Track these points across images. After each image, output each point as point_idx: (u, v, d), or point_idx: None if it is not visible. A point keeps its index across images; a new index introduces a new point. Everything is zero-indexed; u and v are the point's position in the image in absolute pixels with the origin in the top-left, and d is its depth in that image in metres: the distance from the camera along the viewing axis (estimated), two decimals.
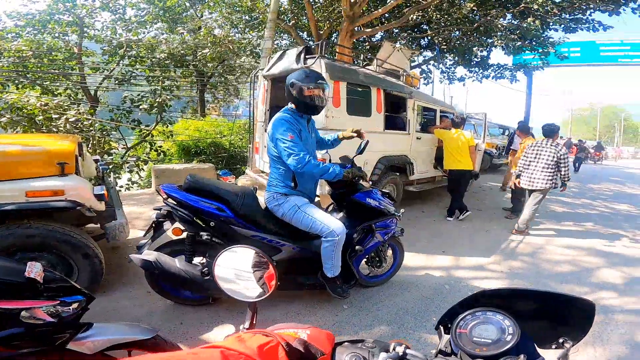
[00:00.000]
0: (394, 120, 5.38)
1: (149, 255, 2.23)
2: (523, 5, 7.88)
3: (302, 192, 2.43)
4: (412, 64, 10.95)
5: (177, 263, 2.25)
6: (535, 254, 4.08)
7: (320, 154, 2.70)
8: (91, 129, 6.63)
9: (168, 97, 9.44)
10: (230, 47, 10.90)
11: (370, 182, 4.40)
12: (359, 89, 4.44)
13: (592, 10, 8.20)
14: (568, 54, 13.25)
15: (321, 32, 9.34)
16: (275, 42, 11.87)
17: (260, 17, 9.95)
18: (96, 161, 3.36)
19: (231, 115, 18.82)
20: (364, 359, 0.63)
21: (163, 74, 10.96)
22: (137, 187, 7.77)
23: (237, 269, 1.00)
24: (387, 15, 9.37)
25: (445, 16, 8.99)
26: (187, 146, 8.17)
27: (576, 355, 2.21)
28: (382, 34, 10.57)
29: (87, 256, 2.36)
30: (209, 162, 7.17)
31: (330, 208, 2.82)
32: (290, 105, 2.39)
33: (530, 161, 4.60)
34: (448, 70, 11.99)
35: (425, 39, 10.71)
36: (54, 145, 2.41)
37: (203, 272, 2.25)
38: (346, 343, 0.68)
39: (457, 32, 9.50)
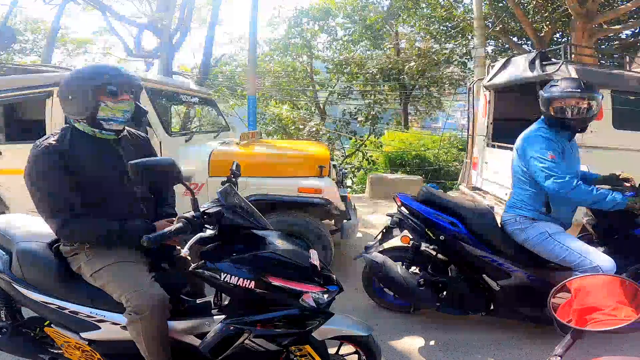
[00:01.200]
0: None
1: (377, 257, 2.41)
2: None
3: (555, 219, 2.06)
4: None
5: (398, 269, 2.34)
6: None
7: None
8: (322, 138, 8.00)
9: (379, 110, 10.23)
10: (435, 58, 10.75)
11: None
12: (631, 98, 3.49)
13: None
14: None
15: (541, 34, 7.94)
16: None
17: (461, 24, 9.37)
18: (334, 166, 3.95)
19: (431, 128, 18.55)
20: None
21: (374, 88, 11.95)
22: (351, 192, 8.74)
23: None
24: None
25: None
26: (393, 157, 8.57)
27: None
28: (633, 30, 8.34)
29: (325, 248, 2.76)
30: (414, 174, 7.25)
31: (581, 238, 2.27)
32: (544, 117, 2.10)
33: None
34: None
35: None
36: (315, 151, 2.98)
37: (419, 282, 2.29)
38: None
39: None
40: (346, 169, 8.67)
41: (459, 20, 9.58)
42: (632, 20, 7.67)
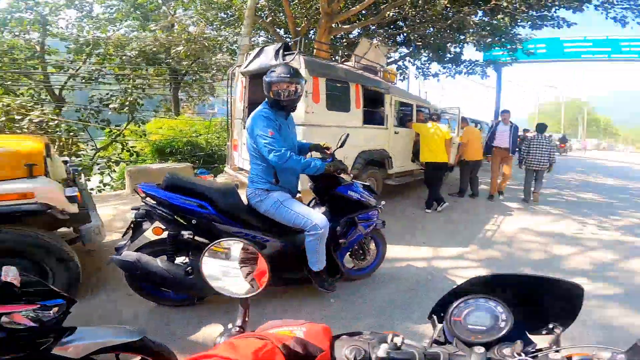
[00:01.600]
0: (372, 116, 5.44)
1: (129, 255, 2.17)
2: (494, 2, 8.15)
3: (283, 188, 2.42)
4: (389, 60, 11.13)
5: (159, 263, 2.21)
6: (510, 243, 4.25)
7: None
8: (57, 130, 6.30)
9: (140, 96, 9.12)
10: (206, 44, 10.66)
11: (352, 176, 4.47)
12: (338, 85, 4.48)
13: (557, 7, 8.58)
14: (534, 50, 13.86)
15: (299, 28, 9.30)
16: (252, 39, 11.72)
17: (237, 13, 9.78)
18: (65, 162, 3.20)
19: (206, 114, 18.42)
20: (364, 352, 0.62)
21: (134, 72, 10.55)
22: (109, 189, 7.46)
23: (226, 265, 0.94)
24: (364, 12, 9.45)
25: (421, 13, 9.18)
26: (161, 146, 7.92)
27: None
28: (359, 30, 10.66)
29: (61, 260, 2.25)
30: (185, 162, 6.99)
31: (313, 203, 2.83)
32: (267, 100, 2.39)
33: (533, 149, 6.17)
34: (423, 66, 12.26)
35: (401, 36, 10.90)
36: (20, 146, 2.28)
37: (187, 271, 2.23)
38: (344, 336, 0.66)
39: (432, 29, 9.70)
40: (100, 163, 7.33)
41: (237, 9, 9.66)
42: (356, 22, 9.44)
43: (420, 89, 23.75)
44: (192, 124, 9.89)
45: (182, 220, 2.24)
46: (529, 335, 0.82)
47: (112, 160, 7.47)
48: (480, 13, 9.30)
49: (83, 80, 9.82)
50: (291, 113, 2.52)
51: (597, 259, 3.83)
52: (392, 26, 10.69)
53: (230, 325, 0.87)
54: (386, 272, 3.18)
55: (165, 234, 2.30)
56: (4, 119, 5.15)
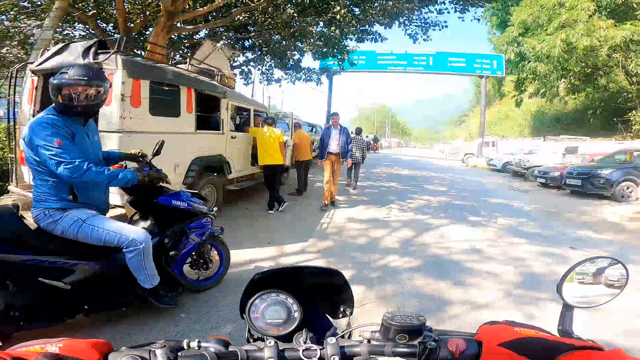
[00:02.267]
0: (208, 120, 5.25)
1: None
2: (331, 14, 9.06)
3: (87, 204, 2.06)
4: (234, 64, 11.00)
5: None
6: (341, 232, 4.90)
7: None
8: None
9: None
10: None
11: (185, 184, 4.18)
12: (166, 89, 4.15)
13: (374, 23, 10.22)
14: (357, 61, 16.43)
15: (132, 25, 8.07)
16: (65, 33, 9.53)
17: (46, 2, 7.64)
18: None
19: None
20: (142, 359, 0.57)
21: None
22: None
23: None
24: (213, 13, 9.04)
25: (269, 19, 9.40)
26: None
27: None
28: (205, 31, 10.14)
29: None
30: None
31: (136, 217, 2.54)
32: (54, 104, 1.99)
33: (352, 148, 7.34)
34: (267, 72, 12.70)
35: (249, 41, 10.95)
36: None
37: None
38: (124, 348, 0.60)
39: (277, 36, 10.11)
40: None
41: None
42: (202, 23, 8.86)
43: (265, 94, 24.60)
44: None
45: None
46: (331, 320, 0.91)
47: None
48: (320, 24, 10.26)
49: None
50: (91, 119, 2.15)
51: (402, 237, 4.84)
52: (241, 30, 10.62)
53: None
54: (236, 277, 3.15)
55: None
56: None
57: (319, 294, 0.88)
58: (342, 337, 0.73)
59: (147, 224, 2.42)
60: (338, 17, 8.79)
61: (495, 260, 4.01)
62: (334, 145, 6.38)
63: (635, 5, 14.37)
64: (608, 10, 15.44)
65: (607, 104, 18.92)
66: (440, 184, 10.73)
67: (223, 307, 2.67)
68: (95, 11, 8.15)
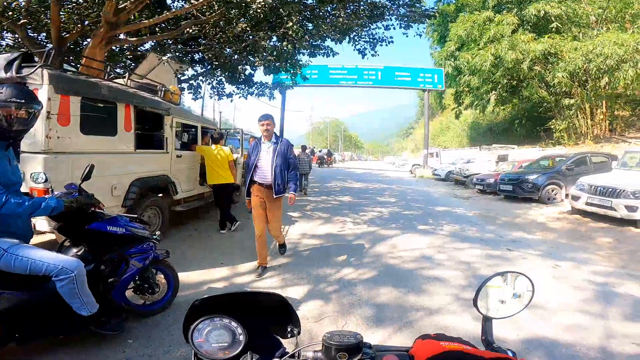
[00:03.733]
0: (150, 139, 4.96)
1: None
2: (283, 29, 9.09)
3: (7, 233, 1.88)
4: (182, 78, 10.55)
5: None
6: (295, 249, 4.82)
7: (39, 184, 2.10)
8: None
9: None
10: None
11: (125, 207, 3.88)
12: (100, 105, 3.86)
13: (325, 39, 10.46)
14: (310, 76, 16.64)
15: (67, 35, 7.39)
16: None
17: None
18: None
19: None
20: None
21: None
22: None
23: None
24: (161, 24, 8.64)
25: (220, 33, 9.20)
26: None
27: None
28: (151, 44, 9.67)
29: None
30: None
31: (67, 243, 2.34)
32: None
33: (301, 161, 8.42)
34: (218, 86, 12.38)
35: (199, 54, 10.62)
36: None
37: None
38: None
39: (229, 50, 9.92)
40: None
41: None
42: (147, 35, 8.39)
43: (216, 109, 23.93)
44: None
45: None
46: (281, 340, 0.90)
47: None
48: (274, 39, 10.25)
49: None
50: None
51: (356, 249, 4.89)
52: (190, 43, 10.25)
53: None
54: (187, 299, 2.97)
55: None
56: None
57: (266, 316, 0.88)
58: (292, 357, 0.75)
59: (80, 250, 2.24)
60: (290, 32, 8.91)
61: (443, 266, 4.20)
62: (264, 171, 3.70)
63: (553, 19, 16.14)
64: (530, 24, 17.00)
65: (531, 113, 21.01)
66: (390, 195, 11.13)
67: (175, 331, 2.53)
68: (25, 20, 7.42)
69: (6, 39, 9.12)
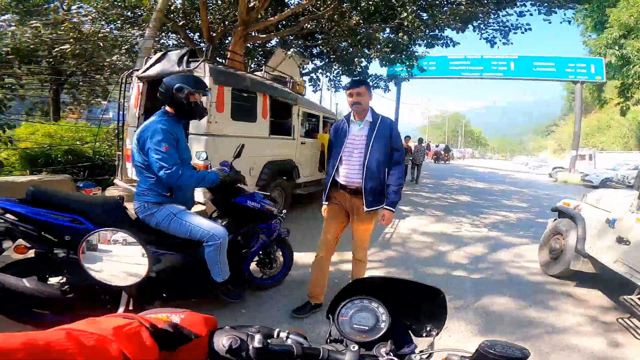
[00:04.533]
0: (280, 126, 5.53)
1: None
2: (398, 21, 8.95)
3: (177, 200, 2.32)
4: (303, 72, 11.47)
5: (26, 283, 1.90)
6: (405, 243, 4.74)
7: (201, 161, 2.61)
8: None
9: (7, 96, 7.61)
10: (101, 44, 9.40)
11: (258, 186, 4.45)
12: (245, 95, 4.44)
13: (445, 28, 9.79)
14: (427, 67, 15.81)
15: (214, 34, 8.97)
16: (161, 42, 10.89)
17: (145, 14, 8.98)
18: None
19: (97, 119, 16.22)
20: (241, 341, 0.62)
21: (3, 70, 8.73)
22: None
23: (106, 255, 0.92)
24: (283, 22, 9.56)
25: (335, 27, 9.63)
26: (33, 155, 6.69)
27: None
28: (277, 40, 10.68)
29: None
30: (65, 173, 6.02)
31: (215, 214, 2.77)
32: (166, 109, 2.28)
33: (417, 153, 10.51)
34: (335, 79, 12.95)
35: (317, 48, 11.34)
36: None
37: (64, 290, 1.97)
38: (227, 327, 0.66)
39: (344, 43, 10.26)
40: None
41: (147, 10, 8.71)
42: (274, 32, 9.35)
43: (332, 101, 25.10)
44: (78, 130, 8.58)
45: (51, 237, 1.94)
46: (412, 336, 0.89)
47: None
48: (387, 30, 10.18)
49: None
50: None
51: (472, 252, 4.51)
52: (309, 38, 11.02)
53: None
54: (297, 279, 3.25)
55: (31, 253, 1.98)
56: None
57: (408, 307, 0.87)
58: (429, 356, 0.71)
59: (224, 221, 2.60)
60: (406, 23, 8.60)
61: (581, 282, 3.52)
62: (351, 166, 2.51)
63: None
64: None
65: None
66: (520, 200, 9.75)
67: (282, 306, 2.76)
68: (184, 22, 9.17)
69: (171, 39, 11.37)
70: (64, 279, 2.04)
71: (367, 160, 2.37)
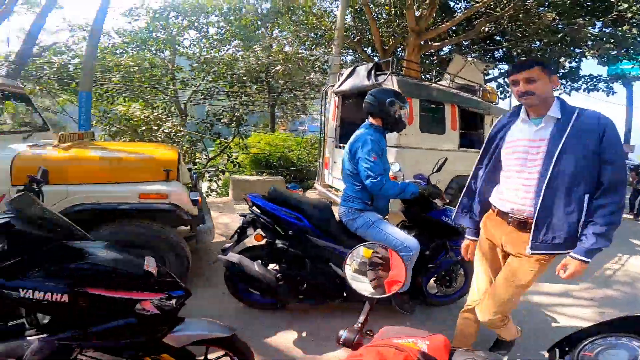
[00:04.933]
0: (469, 138, 5.12)
1: (233, 257, 2.42)
2: (615, 13, 7.12)
3: (376, 209, 2.47)
4: (487, 78, 10.42)
5: (256, 267, 2.40)
6: (635, 283, 3.53)
7: (393, 173, 2.70)
8: (182, 140, 7.44)
9: (244, 112, 10.20)
10: (300, 63, 11.40)
11: (447, 201, 4.25)
12: (432, 106, 4.33)
13: None
14: None
15: (386, 47, 9.33)
16: (341, 58, 12.22)
17: (326, 34, 10.34)
18: (189, 169, 3.75)
19: (297, 131, 19.59)
20: None
21: (241, 90, 11.86)
22: (215, 195, 8.46)
23: (365, 267, 1.05)
24: (454, 27, 9.15)
25: (523, 27, 8.47)
26: (258, 159, 8.69)
27: None
28: (450, 47, 10.29)
29: (178, 255, 2.59)
30: (278, 175, 7.53)
31: (400, 225, 2.81)
32: (371, 122, 2.47)
33: None
34: None
35: (500, 51, 10.19)
36: (161, 154, 2.77)
37: (277, 277, 2.39)
38: (461, 350, 0.66)
39: (539, 43, 8.87)
40: (210, 171, 8.36)
41: (326, 29, 10.29)
42: (447, 39, 9.23)
43: None
44: (286, 139, 10.61)
45: (280, 230, 2.42)
46: None
47: (219, 170, 8.46)
48: (598, 24, 8.17)
49: (202, 97, 11.41)
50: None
51: None
52: (488, 41, 10.05)
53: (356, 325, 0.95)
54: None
55: (264, 241, 2.51)
56: (144, 128, 6.31)
57: None
58: None
59: (413, 233, 2.60)
60: (629, 15, 6.46)
61: None
62: (514, 184, 1.63)
63: None
64: None
65: None
66: None
67: (447, 327, 2.46)
68: (358, 37, 9.83)
69: (349, 55, 12.31)
70: (278, 267, 2.48)
71: (550, 178, 1.50)
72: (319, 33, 10.90)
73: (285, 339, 2.34)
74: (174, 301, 1.27)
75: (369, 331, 0.91)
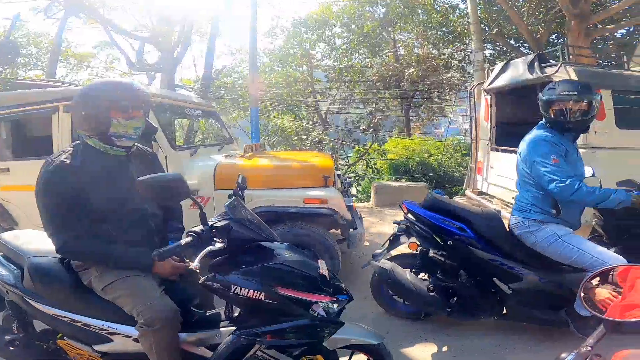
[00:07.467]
0: None
1: (385, 264, 2.41)
2: None
3: (564, 220, 2.05)
4: None
5: (407, 275, 2.35)
6: None
7: (588, 177, 2.18)
8: (326, 147, 8.04)
9: (380, 117, 10.27)
10: (434, 64, 10.75)
11: None
12: (632, 97, 3.48)
13: None
14: None
15: (537, 36, 7.98)
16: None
17: (456, 30, 9.49)
18: (339, 176, 3.96)
19: (434, 134, 18.55)
20: None
21: (375, 96, 12.00)
22: (356, 201, 8.70)
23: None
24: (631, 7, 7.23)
25: None
26: (396, 164, 8.55)
27: None
28: (627, 29, 8.54)
29: (332, 257, 2.72)
30: (418, 181, 7.22)
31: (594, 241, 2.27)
32: (546, 121, 2.12)
33: None
34: None
35: None
36: (319, 161, 2.99)
37: (429, 288, 2.30)
38: None
39: None
40: (350, 177, 8.70)
41: (455, 25, 9.67)
42: (625, 19, 7.65)
43: None
44: (424, 143, 10.13)
45: (438, 240, 2.27)
46: None
47: (359, 176, 8.73)
48: None
49: (339, 105, 12.07)
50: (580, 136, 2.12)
51: None
52: None
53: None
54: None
55: (418, 250, 2.42)
56: (295, 138, 7.08)
57: None
58: None
59: (612, 249, 2.11)
60: None
61: None
62: None
63: None
64: None
65: None
66: None
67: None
68: (497, 29, 8.51)
69: (487, 49, 10.71)
70: (431, 277, 2.36)
71: None
72: (447, 30, 10.13)
73: (423, 351, 2.23)
74: (336, 305, 1.29)
75: (596, 355, 0.84)
